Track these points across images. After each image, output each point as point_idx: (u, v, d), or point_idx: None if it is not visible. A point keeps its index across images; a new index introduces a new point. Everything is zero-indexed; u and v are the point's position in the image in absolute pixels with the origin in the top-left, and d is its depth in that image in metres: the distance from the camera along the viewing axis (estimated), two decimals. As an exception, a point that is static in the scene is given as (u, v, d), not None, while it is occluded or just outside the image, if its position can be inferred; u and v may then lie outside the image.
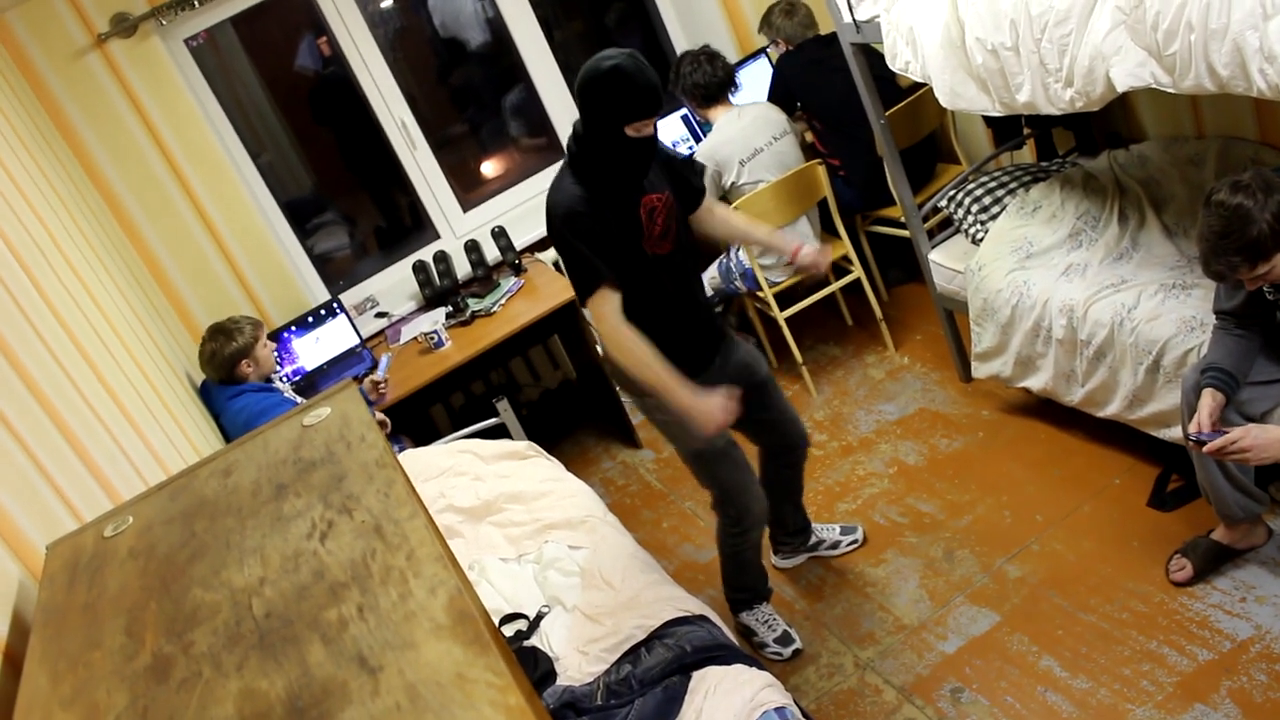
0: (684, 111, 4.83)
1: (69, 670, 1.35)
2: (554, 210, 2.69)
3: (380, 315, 4.66)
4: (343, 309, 4.45)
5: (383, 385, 4.01)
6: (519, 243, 4.70)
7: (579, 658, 2.71)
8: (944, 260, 3.85)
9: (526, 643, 2.85)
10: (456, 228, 4.89)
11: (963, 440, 3.83)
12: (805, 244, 3.01)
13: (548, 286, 4.38)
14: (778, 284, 4.29)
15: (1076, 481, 3.43)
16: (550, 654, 2.78)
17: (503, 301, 4.39)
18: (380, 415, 3.90)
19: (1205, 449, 2.51)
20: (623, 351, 2.69)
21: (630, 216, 2.68)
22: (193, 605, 1.39)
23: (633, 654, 2.64)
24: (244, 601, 1.35)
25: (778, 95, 4.42)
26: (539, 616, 2.95)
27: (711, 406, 2.65)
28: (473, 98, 5.40)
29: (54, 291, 2.70)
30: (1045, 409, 3.72)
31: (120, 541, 1.62)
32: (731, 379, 2.95)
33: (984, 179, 3.88)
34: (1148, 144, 3.71)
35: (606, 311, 2.67)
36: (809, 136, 4.59)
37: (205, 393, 3.82)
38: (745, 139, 4.12)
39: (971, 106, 3.17)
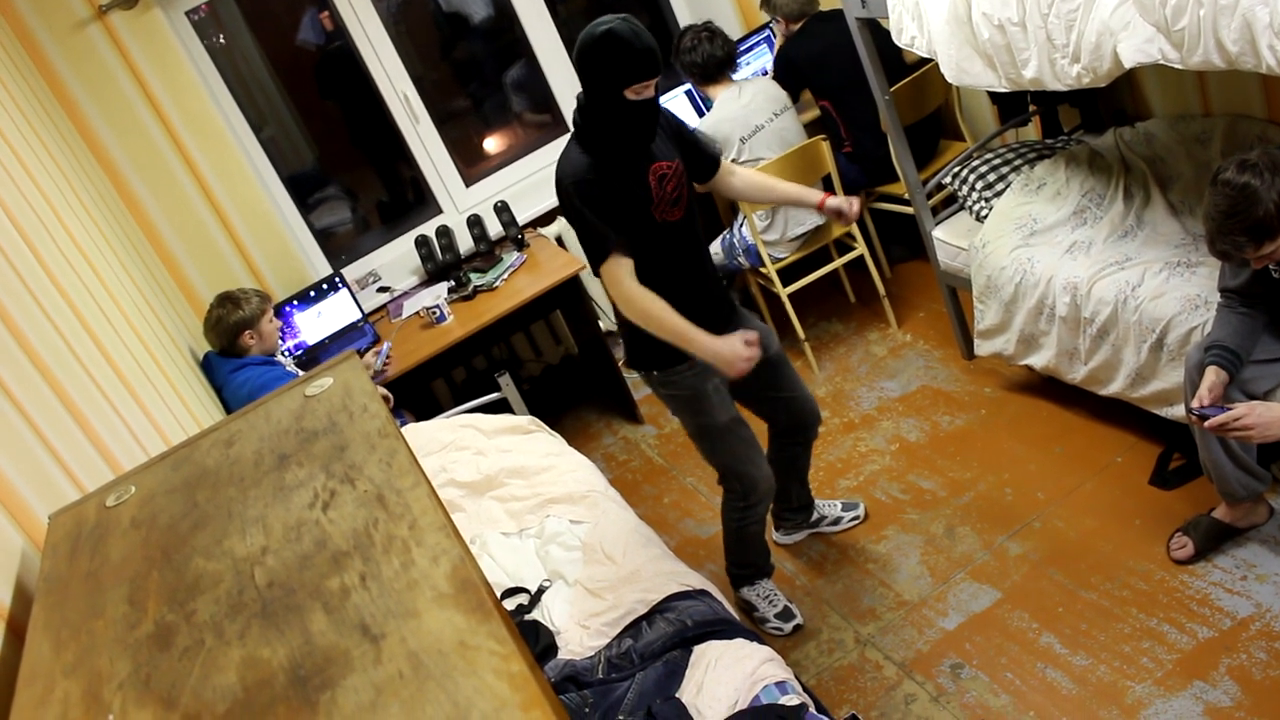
0: (687, 86, 4.80)
1: (71, 638, 1.36)
2: (562, 180, 2.68)
3: (382, 290, 4.65)
4: (344, 283, 4.44)
5: (385, 366, 4.02)
6: (521, 217, 4.69)
7: (580, 632, 2.72)
8: (947, 237, 3.83)
9: (527, 617, 2.86)
10: (459, 202, 4.87)
11: (965, 418, 3.83)
12: (832, 195, 2.97)
13: (550, 261, 4.37)
14: (781, 260, 4.28)
15: (1078, 459, 3.44)
16: (551, 628, 2.79)
17: (505, 276, 4.38)
18: (384, 391, 3.90)
19: (1208, 424, 2.51)
20: (639, 313, 2.68)
21: (639, 183, 2.68)
22: (195, 574, 1.39)
23: (634, 628, 2.65)
24: (246, 571, 1.35)
25: (784, 81, 4.38)
26: (540, 591, 2.95)
27: (735, 346, 2.63)
28: (476, 72, 5.37)
29: (56, 263, 2.69)
30: (1048, 387, 3.72)
31: (122, 511, 1.62)
32: None
33: (989, 156, 3.86)
34: (1154, 121, 3.69)
35: (620, 275, 2.66)
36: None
37: (208, 366, 3.81)
38: (745, 116, 4.10)
39: (977, 83, 3.15)
